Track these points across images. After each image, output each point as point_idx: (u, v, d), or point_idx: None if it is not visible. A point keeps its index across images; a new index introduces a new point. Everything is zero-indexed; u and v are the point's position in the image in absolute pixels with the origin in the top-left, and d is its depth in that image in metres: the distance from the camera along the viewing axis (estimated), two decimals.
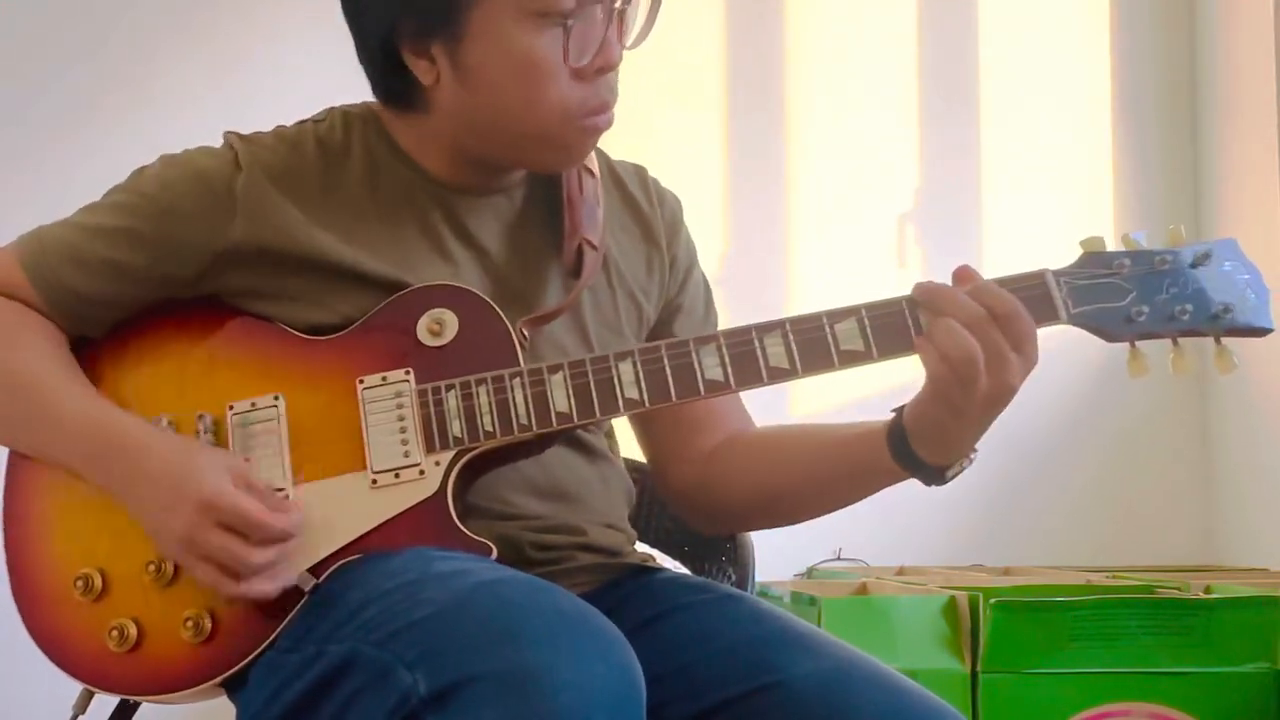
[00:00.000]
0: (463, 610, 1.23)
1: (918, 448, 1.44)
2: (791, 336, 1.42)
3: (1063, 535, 3.40)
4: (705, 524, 1.72)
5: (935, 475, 1.46)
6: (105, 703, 1.49)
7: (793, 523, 1.63)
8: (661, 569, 1.61)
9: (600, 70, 1.46)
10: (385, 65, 1.49)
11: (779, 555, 2.85)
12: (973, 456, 1.45)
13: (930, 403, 1.40)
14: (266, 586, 1.38)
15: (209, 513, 1.36)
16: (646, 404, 1.43)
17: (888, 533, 3.12)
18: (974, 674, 2.53)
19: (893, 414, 1.47)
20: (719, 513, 1.66)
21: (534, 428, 1.42)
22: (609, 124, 1.50)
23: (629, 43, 1.49)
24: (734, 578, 1.77)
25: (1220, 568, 3.31)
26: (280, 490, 1.43)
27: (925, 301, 1.40)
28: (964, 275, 1.42)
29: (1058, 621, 2.50)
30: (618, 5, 1.45)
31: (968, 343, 1.36)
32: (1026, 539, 3.37)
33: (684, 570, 1.79)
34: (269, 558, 1.37)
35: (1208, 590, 2.68)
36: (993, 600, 2.51)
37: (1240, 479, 3.40)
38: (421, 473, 1.42)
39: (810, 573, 3.21)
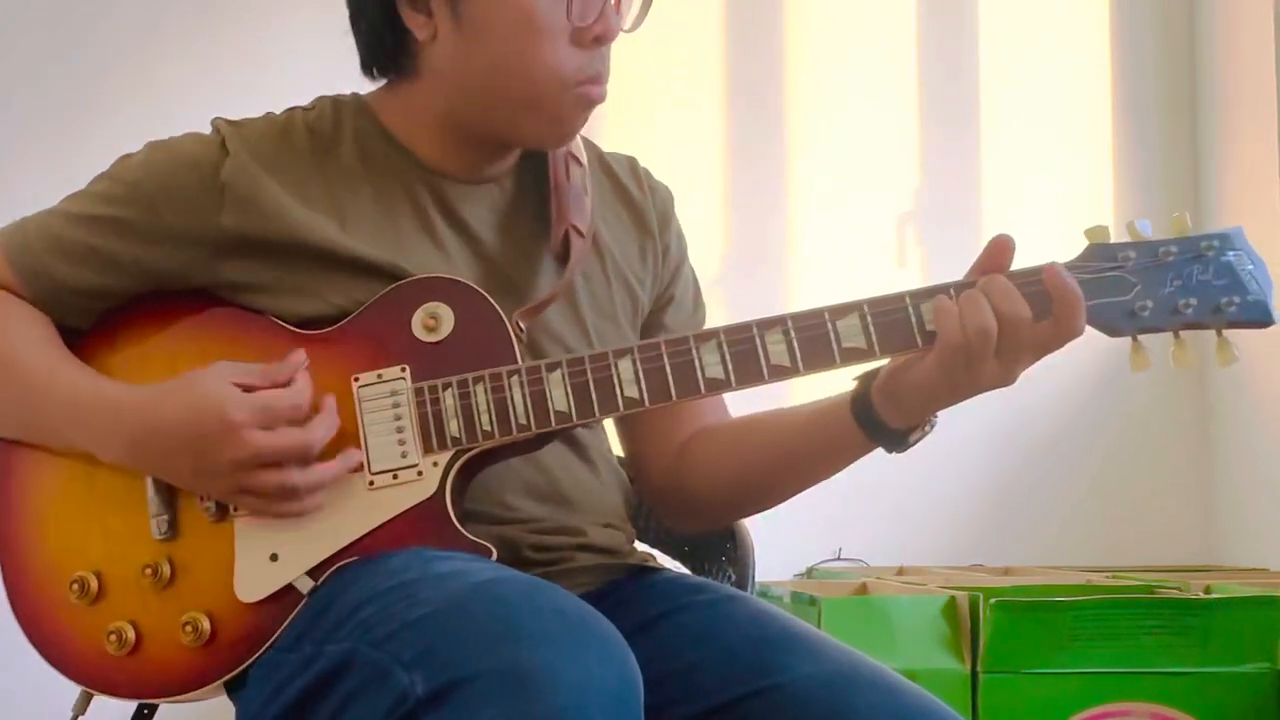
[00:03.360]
0: (460, 610, 1.22)
1: (883, 411, 1.44)
2: (793, 333, 1.42)
3: (1063, 535, 3.40)
4: (682, 519, 1.71)
5: (898, 440, 1.47)
6: (105, 703, 1.49)
7: (764, 507, 1.62)
8: (661, 569, 1.61)
9: (598, 39, 1.46)
10: (380, 23, 1.49)
11: (779, 555, 2.85)
12: (933, 422, 1.47)
13: (929, 366, 1.40)
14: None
15: (248, 467, 1.37)
16: (646, 403, 1.42)
17: (888, 533, 3.11)
18: (974, 674, 2.52)
19: (855, 381, 1.47)
20: (692, 504, 1.65)
21: (533, 427, 1.41)
22: (602, 97, 1.50)
23: (627, 25, 1.49)
24: (734, 577, 1.77)
25: (1220, 568, 3.30)
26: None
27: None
28: (1001, 245, 1.41)
29: (1058, 621, 2.50)
30: None
31: (990, 319, 1.36)
32: (1026, 539, 3.37)
33: (684, 570, 1.79)
34: (318, 475, 1.39)
35: (1208, 590, 2.68)
36: (993, 600, 2.51)
37: (1240, 479, 3.40)
38: (420, 474, 1.41)
39: (810, 573, 3.20)
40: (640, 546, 1.66)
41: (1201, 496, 3.47)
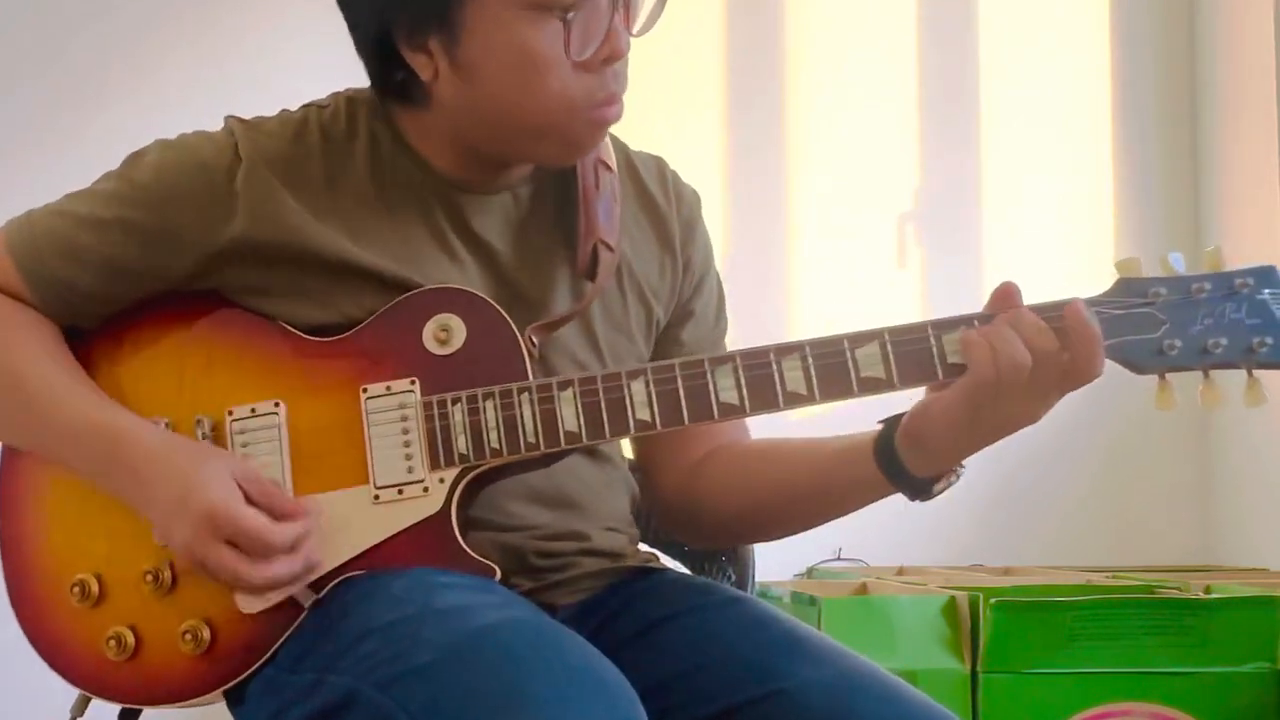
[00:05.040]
0: (466, 660, 1.21)
1: (907, 458, 1.41)
2: (811, 360, 1.38)
3: (1063, 535, 3.40)
4: (690, 535, 1.70)
5: (921, 489, 1.43)
6: (103, 707, 1.48)
7: (776, 537, 1.60)
8: (664, 569, 1.60)
9: (606, 60, 1.40)
10: (382, 60, 1.44)
11: (779, 555, 2.84)
12: (960, 472, 1.43)
13: (954, 402, 1.36)
14: (257, 604, 1.37)
15: (212, 528, 1.34)
16: (658, 426, 1.39)
17: (888, 533, 3.11)
18: (974, 674, 2.53)
19: (880, 425, 1.44)
20: (702, 524, 1.63)
21: (541, 447, 1.39)
22: (618, 116, 1.45)
23: (636, 29, 1.42)
24: (734, 577, 1.77)
25: (1220, 568, 3.31)
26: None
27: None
28: (1006, 292, 1.37)
29: (1058, 621, 2.51)
30: None
31: (1023, 353, 1.33)
32: (1026, 539, 3.37)
33: (684, 570, 1.78)
34: (268, 575, 1.35)
35: (1208, 590, 2.68)
36: (993, 600, 2.51)
37: (1240, 479, 3.40)
38: (425, 490, 1.39)
39: (810, 573, 3.21)
40: (641, 546, 1.66)
41: (1201, 496, 3.48)
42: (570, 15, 1.37)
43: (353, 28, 1.46)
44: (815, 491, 1.52)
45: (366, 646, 1.27)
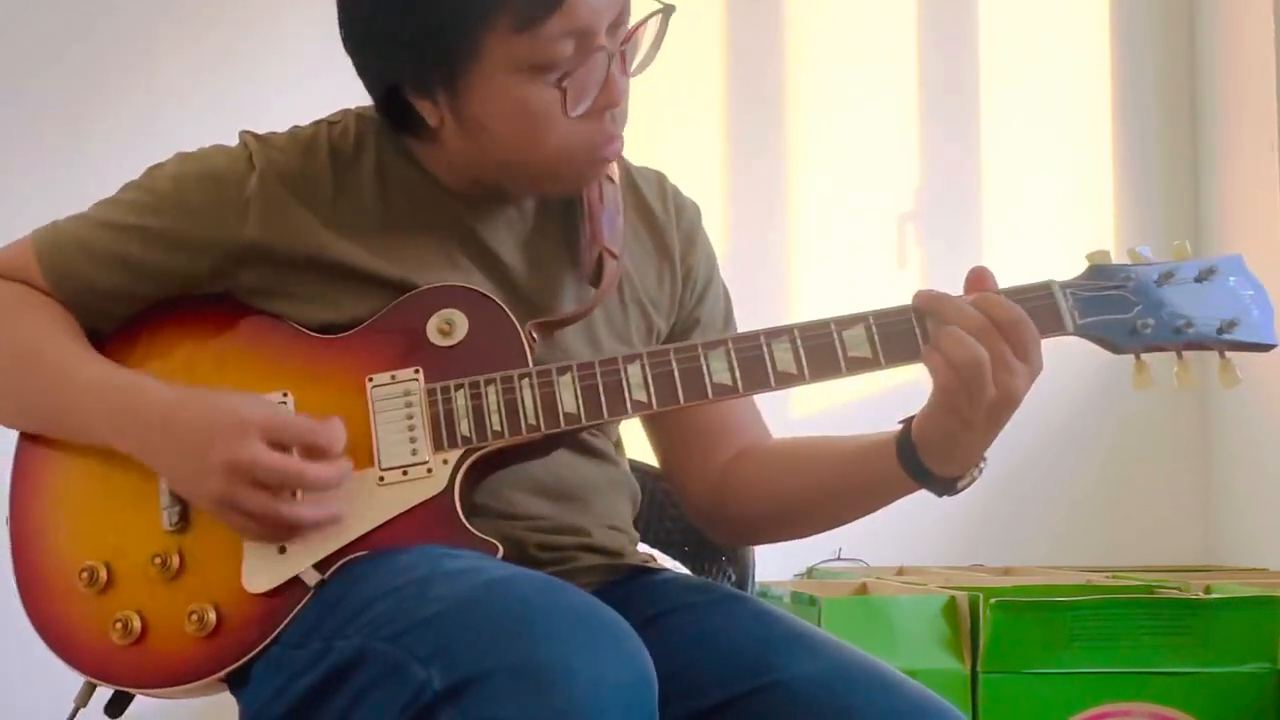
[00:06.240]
0: (475, 607, 1.24)
1: (927, 459, 1.43)
2: (800, 342, 1.43)
3: (1063, 535, 3.40)
4: (725, 536, 1.72)
5: (946, 486, 1.45)
6: (108, 695, 1.49)
7: (809, 534, 1.62)
8: (663, 569, 1.62)
9: (605, 108, 1.45)
10: (390, 101, 1.50)
11: (779, 555, 2.85)
12: (982, 466, 1.45)
13: (938, 413, 1.40)
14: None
15: (240, 474, 1.36)
16: (654, 406, 1.43)
17: (888, 533, 3.10)
18: (974, 674, 2.53)
19: (900, 425, 1.46)
20: (735, 525, 1.66)
21: (542, 428, 1.43)
22: (617, 153, 1.51)
23: (634, 68, 1.47)
24: (734, 577, 1.78)
25: (1220, 568, 3.31)
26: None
27: (929, 310, 1.41)
28: (979, 276, 1.42)
29: (1058, 621, 2.51)
30: (619, 47, 1.44)
31: (975, 349, 1.36)
32: (1026, 539, 3.37)
33: (684, 570, 1.79)
34: (302, 513, 1.38)
35: (1208, 590, 2.68)
36: (993, 600, 2.51)
37: (1240, 479, 3.40)
38: (429, 471, 1.42)
39: (810, 573, 3.20)
40: (641, 547, 1.67)
41: (1201, 496, 3.48)
42: (564, 81, 1.42)
43: (359, 71, 1.51)
44: (843, 490, 1.55)
45: (375, 610, 1.29)
